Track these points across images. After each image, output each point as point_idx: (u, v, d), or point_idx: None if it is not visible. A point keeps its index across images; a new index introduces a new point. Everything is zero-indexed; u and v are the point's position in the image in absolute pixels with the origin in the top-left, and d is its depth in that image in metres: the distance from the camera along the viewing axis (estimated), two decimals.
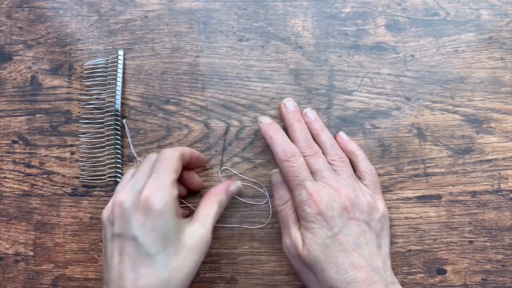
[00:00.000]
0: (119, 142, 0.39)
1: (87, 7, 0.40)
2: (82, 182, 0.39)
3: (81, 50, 0.40)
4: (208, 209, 0.34)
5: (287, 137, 0.36)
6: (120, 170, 0.39)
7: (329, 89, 0.39)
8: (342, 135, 0.39)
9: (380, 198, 0.37)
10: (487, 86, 0.39)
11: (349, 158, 0.38)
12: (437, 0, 0.40)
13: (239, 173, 0.39)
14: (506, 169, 0.39)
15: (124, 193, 0.32)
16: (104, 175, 0.39)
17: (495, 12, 0.40)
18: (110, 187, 0.39)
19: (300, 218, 0.35)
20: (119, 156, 0.39)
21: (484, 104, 0.39)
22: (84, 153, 0.39)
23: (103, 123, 0.39)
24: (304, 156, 0.36)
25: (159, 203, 0.30)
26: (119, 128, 0.39)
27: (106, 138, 0.39)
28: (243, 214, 0.39)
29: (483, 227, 0.38)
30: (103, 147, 0.39)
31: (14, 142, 0.40)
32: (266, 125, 0.37)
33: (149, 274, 0.30)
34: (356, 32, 0.40)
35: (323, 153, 0.37)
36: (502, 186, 0.39)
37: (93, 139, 0.40)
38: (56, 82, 0.40)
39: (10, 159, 0.40)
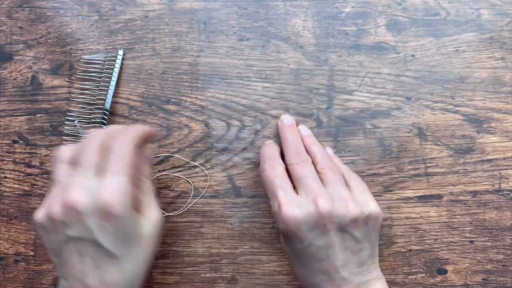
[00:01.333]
0: None
1: (87, 7, 0.40)
2: None
3: (81, 50, 0.40)
4: (145, 189, 0.32)
5: (276, 149, 0.36)
6: None
7: (329, 89, 0.39)
8: (329, 150, 0.38)
9: (369, 199, 0.34)
10: (488, 86, 0.39)
11: None
12: (437, 0, 0.40)
13: (240, 173, 0.39)
14: (506, 169, 0.39)
15: (76, 192, 0.29)
16: None
17: (495, 12, 0.40)
18: None
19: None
20: None
21: (484, 103, 0.39)
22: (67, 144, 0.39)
23: (90, 119, 0.39)
24: (290, 164, 0.35)
25: (119, 208, 0.29)
26: (104, 126, 0.39)
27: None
28: (243, 214, 0.39)
29: (484, 227, 0.38)
30: None
31: (15, 142, 0.40)
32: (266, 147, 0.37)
33: (114, 270, 0.30)
34: (356, 32, 0.40)
35: (315, 164, 0.35)
36: (503, 186, 0.38)
37: (78, 133, 0.39)
38: (56, 82, 0.40)
39: (11, 159, 0.40)
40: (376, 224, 0.34)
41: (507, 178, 0.38)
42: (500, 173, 0.39)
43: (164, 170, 0.39)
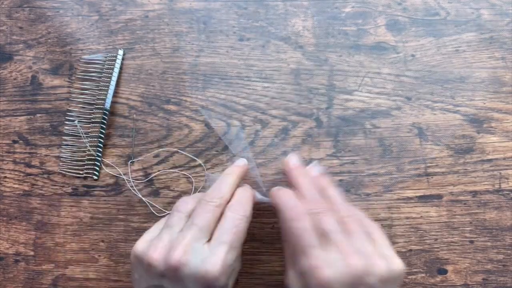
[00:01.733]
0: (102, 140, 0.39)
1: (87, 7, 0.40)
2: (60, 171, 0.39)
3: (81, 50, 0.40)
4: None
5: (295, 197, 0.33)
6: (98, 168, 0.39)
7: (329, 88, 0.39)
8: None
9: (393, 255, 0.32)
10: (488, 86, 0.39)
11: None
12: (437, 0, 0.40)
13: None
14: (506, 169, 0.39)
15: (183, 253, 0.29)
16: (82, 170, 0.39)
17: (495, 12, 0.40)
18: (111, 187, 0.39)
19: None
20: (99, 154, 0.39)
21: (484, 103, 0.39)
22: (67, 145, 0.39)
23: (90, 119, 0.40)
24: (311, 213, 0.32)
25: (222, 282, 0.29)
26: (104, 126, 0.39)
27: (90, 134, 0.39)
28: None
29: (484, 227, 0.38)
30: (86, 142, 0.39)
31: (15, 141, 0.40)
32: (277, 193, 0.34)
33: None
34: (356, 31, 0.40)
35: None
36: (503, 185, 0.38)
37: (78, 133, 0.40)
38: (56, 81, 0.40)
39: (11, 159, 0.40)
40: (399, 281, 0.32)
41: (507, 178, 0.38)
42: (500, 173, 0.39)
43: (164, 170, 0.39)
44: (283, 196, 0.33)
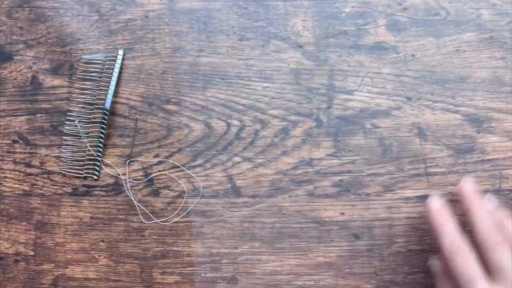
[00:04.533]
0: (102, 140, 0.39)
1: (87, 7, 0.40)
2: (60, 171, 0.39)
3: (81, 50, 0.40)
4: None
5: (457, 228, 0.33)
6: (98, 168, 0.39)
7: (329, 88, 0.39)
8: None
9: None
10: (488, 86, 0.39)
11: None
12: (437, 0, 0.40)
13: (240, 173, 0.39)
14: (507, 169, 0.38)
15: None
16: (82, 170, 0.39)
17: (495, 12, 0.40)
18: (111, 187, 0.39)
19: None
20: (100, 154, 0.39)
21: (485, 103, 0.39)
22: (67, 145, 0.39)
23: (90, 119, 0.40)
24: (484, 248, 0.31)
25: None
26: (104, 126, 0.39)
27: (90, 134, 0.39)
28: (243, 214, 0.39)
29: None
30: (86, 142, 0.39)
31: (15, 141, 0.40)
32: (436, 212, 0.33)
33: None
34: (356, 31, 0.40)
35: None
36: (503, 185, 0.38)
37: (78, 133, 0.40)
38: (56, 81, 0.40)
39: (11, 159, 0.40)
40: None
41: (507, 178, 0.38)
42: (500, 173, 0.39)
43: (164, 170, 0.39)
44: (445, 226, 0.32)
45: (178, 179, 0.39)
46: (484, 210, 0.32)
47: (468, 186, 0.34)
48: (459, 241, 0.31)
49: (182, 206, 0.39)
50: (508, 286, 0.29)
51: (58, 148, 0.40)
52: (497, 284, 0.29)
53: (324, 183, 0.39)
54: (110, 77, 0.39)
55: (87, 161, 0.39)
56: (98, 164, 0.39)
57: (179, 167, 0.39)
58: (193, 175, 0.39)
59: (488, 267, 0.30)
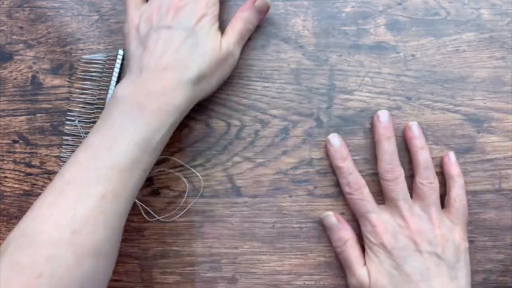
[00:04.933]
0: None
1: (87, 7, 0.40)
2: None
3: (81, 49, 0.40)
4: (233, 24, 0.36)
5: (352, 166, 0.37)
6: None
7: (329, 88, 0.39)
8: (450, 156, 0.37)
9: (459, 230, 0.35)
10: (488, 86, 0.39)
11: (446, 182, 0.37)
12: (437, 0, 0.40)
13: (240, 173, 0.39)
14: (507, 169, 0.38)
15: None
16: None
17: (495, 12, 0.40)
18: None
19: (366, 248, 0.36)
20: None
21: (485, 103, 0.39)
22: (68, 145, 0.39)
23: (90, 119, 0.39)
24: (381, 179, 0.36)
25: (212, 13, 0.35)
26: None
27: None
28: (243, 214, 0.39)
29: (484, 226, 0.38)
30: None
31: (15, 141, 0.40)
32: (335, 150, 0.37)
33: (189, 51, 0.34)
34: (356, 31, 0.40)
35: (415, 173, 0.36)
36: (503, 185, 0.38)
37: (78, 133, 0.39)
38: (56, 81, 0.40)
39: (11, 159, 0.40)
40: (463, 255, 0.34)
41: (507, 178, 0.38)
42: (500, 172, 0.39)
43: (164, 170, 0.39)
44: (342, 168, 0.36)
45: (178, 178, 0.39)
46: (391, 143, 0.36)
47: (382, 117, 0.37)
48: (355, 179, 0.36)
49: (182, 206, 0.39)
50: (397, 212, 0.35)
51: (58, 148, 0.40)
52: (387, 212, 0.35)
53: (324, 183, 0.39)
54: (110, 77, 0.39)
55: None
56: None
57: (179, 166, 0.39)
58: (193, 170, 0.39)
59: (386, 197, 0.36)
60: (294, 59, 0.40)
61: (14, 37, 0.41)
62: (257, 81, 0.40)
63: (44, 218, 0.29)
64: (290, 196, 0.39)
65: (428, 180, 0.35)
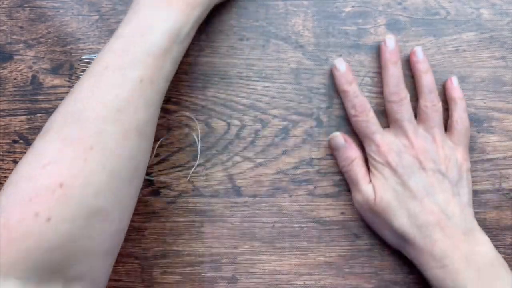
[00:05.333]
0: None
1: (87, 7, 0.40)
2: None
3: (82, 49, 0.40)
4: None
5: (358, 90, 0.37)
6: None
7: (329, 88, 0.39)
8: (453, 80, 0.38)
9: (462, 151, 0.36)
10: (488, 85, 0.39)
11: (449, 104, 0.38)
12: (437, 0, 0.40)
13: (240, 172, 0.39)
14: (507, 168, 0.38)
15: None
16: None
17: (495, 12, 0.40)
18: None
19: (370, 167, 0.37)
20: None
21: (485, 103, 0.39)
22: None
23: None
24: (388, 102, 0.37)
25: None
26: None
27: None
28: (243, 214, 0.39)
29: (484, 226, 0.38)
30: None
31: (15, 141, 0.40)
32: (340, 74, 0.37)
33: None
34: (356, 31, 0.40)
35: (419, 96, 0.37)
36: (503, 185, 0.38)
37: None
38: (56, 81, 0.40)
39: (11, 159, 0.40)
40: (465, 174, 0.36)
41: (507, 178, 0.38)
42: (500, 172, 0.39)
43: (164, 170, 0.39)
44: (347, 92, 0.37)
45: (178, 178, 0.39)
46: (397, 67, 0.37)
47: (389, 43, 0.37)
48: (360, 101, 0.36)
49: (182, 206, 0.39)
50: (402, 132, 0.36)
51: None
52: (392, 134, 0.36)
53: (324, 182, 0.39)
54: None
55: None
56: None
57: (179, 166, 0.39)
58: (194, 118, 0.39)
59: (391, 118, 0.37)
60: (294, 59, 0.40)
61: (14, 37, 0.41)
62: (257, 81, 0.40)
63: (88, 99, 0.29)
64: (290, 196, 0.39)
65: (432, 103, 0.36)
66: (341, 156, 0.38)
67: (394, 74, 0.37)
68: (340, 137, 0.38)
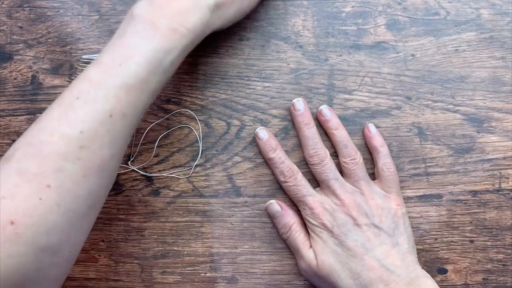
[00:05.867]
0: None
1: (87, 7, 0.40)
2: None
3: (81, 49, 0.40)
4: None
5: (283, 155, 0.37)
6: None
7: (329, 88, 0.39)
8: (370, 128, 0.38)
9: (394, 197, 0.36)
10: (488, 85, 0.39)
11: (372, 153, 0.38)
12: (437, 0, 0.40)
13: (240, 172, 0.39)
14: (507, 168, 0.39)
15: None
16: None
17: (495, 12, 0.40)
18: None
19: (309, 231, 0.36)
20: None
21: (485, 103, 0.39)
22: None
23: None
24: (310, 165, 0.37)
25: None
26: None
27: None
28: (243, 214, 0.39)
29: (484, 226, 0.38)
30: None
31: (15, 141, 0.40)
32: (264, 142, 0.38)
33: None
34: (356, 31, 0.40)
35: (337, 153, 0.37)
36: (503, 185, 0.38)
37: None
38: (56, 81, 0.40)
39: None
40: (401, 220, 0.36)
41: (507, 178, 0.38)
42: (500, 172, 0.39)
43: (164, 170, 0.39)
44: (273, 160, 0.37)
45: (178, 178, 0.39)
46: (310, 128, 0.37)
47: (298, 106, 0.38)
48: (287, 166, 0.37)
49: (182, 206, 0.39)
50: (331, 191, 0.36)
51: None
52: (322, 193, 0.37)
53: None
54: None
55: None
56: None
57: (179, 166, 0.39)
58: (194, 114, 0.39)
59: (317, 180, 0.37)
60: (294, 59, 0.40)
61: (14, 37, 0.41)
62: (257, 81, 0.40)
63: (52, 131, 0.29)
64: None
65: (350, 158, 0.36)
66: (279, 224, 0.37)
67: (310, 135, 0.37)
68: (275, 205, 0.37)
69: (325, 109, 0.38)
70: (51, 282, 0.30)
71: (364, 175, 0.37)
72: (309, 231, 0.36)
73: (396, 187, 0.37)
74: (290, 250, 0.38)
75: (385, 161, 0.37)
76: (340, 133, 0.37)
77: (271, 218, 0.38)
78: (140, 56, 0.30)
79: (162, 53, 0.31)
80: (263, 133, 0.38)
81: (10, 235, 0.26)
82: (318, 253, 0.35)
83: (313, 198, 0.36)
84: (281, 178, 0.37)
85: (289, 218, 0.37)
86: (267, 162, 0.38)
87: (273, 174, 0.38)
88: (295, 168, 0.37)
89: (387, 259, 0.33)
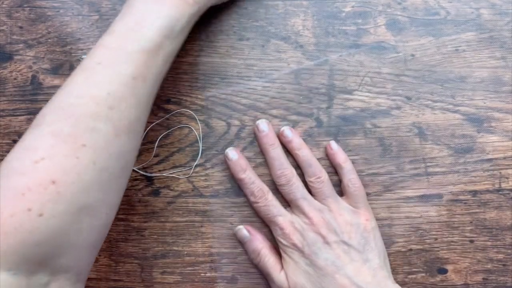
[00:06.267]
0: None
1: (87, 7, 0.40)
2: None
3: (81, 49, 0.40)
4: None
5: (253, 175, 0.37)
6: None
7: (329, 88, 0.39)
8: (332, 145, 0.38)
9: (363, 212, 0.36)
10: (488, 85, 0.39)
11: (336, 170, 0.38)
12: (437, 0, 0.40)
13: None
14: (507, 168, 0.39)
15: None
16: None
17: (495, 12, 0.40)
18: None
19: (281, 252, 0.36)
20: None
21: (485, 103, 0.39)
22: None
23: None
24: (278, 185, 0.37)
25: None
26: None
27: None
28: (243, 214, 0.39)
29: (484, 226, 0.38)
30: None
31: (15, 141, 0.40)
32: (234, 163, 0.38)
33: None
34: (356, 31, 0.40)
35: (303, 172, 0.37)
36: (503, 185, 0.38)
37: None
38: (56, 81, 0.40)
39: None
40: (371, 235, 0.35)
41: (507, 178, 0.38)
42: (500, 172, 0.39)
43: (164, 170, 0.39)
44: (243, 180, 0.37)
45: (178, 178, 0.39)
46: (275, 148, 0.37)
47: (261, 127, 0.38)
48: (258, 187, 0.37)
49: (182, 206, 0.39)
50: (299, 210, 0.36)
51: None
52: (293, 213, 0.36)
53: None
54: None
55: None
56: None
57: (179, 166, 0.39)
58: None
59: (286, 200, 0.37)
60: (294, 59, 0.40)
61: (14, 37, 0.41)
62: (257, 81, 0.40)
63: (80, 93, 0.29)
64: None
65: (315, 176, 0.37)
66: (248, 249, 0.37)
67: (275, 156, 0.37)
68: (243, 230, 0.38)
69: (286, 130, 0.38)
70: (89, 248, 0.30)
71: (331, 192, 0.37)
72: (281, 252, 0.36)
73: (363, 201, 0.37)
74: None
75: (349, 177, 0.37)
76: (303, 153, 0.37)
77: (241, 243, 0.38)
78: (153, 22, 0.32)
79: (172, 21, 0.32)
80: (233, 154, 0.38)
81: (52, 194, 0.27)
82: (289, 275, 0.35)
83: (283, 218, 0.36)
84: (252, 199, 0.37)
85: (257, 243, 0.37)
86: (237, 183, 0.38)
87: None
88: (265, 188, 0.37)
89: (358, 276, 0.33)
